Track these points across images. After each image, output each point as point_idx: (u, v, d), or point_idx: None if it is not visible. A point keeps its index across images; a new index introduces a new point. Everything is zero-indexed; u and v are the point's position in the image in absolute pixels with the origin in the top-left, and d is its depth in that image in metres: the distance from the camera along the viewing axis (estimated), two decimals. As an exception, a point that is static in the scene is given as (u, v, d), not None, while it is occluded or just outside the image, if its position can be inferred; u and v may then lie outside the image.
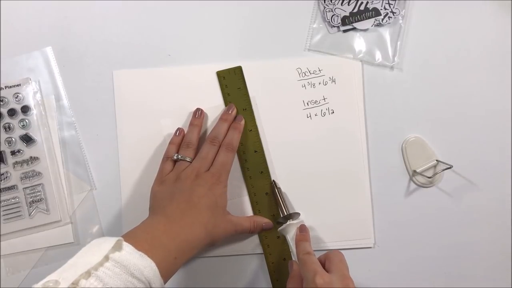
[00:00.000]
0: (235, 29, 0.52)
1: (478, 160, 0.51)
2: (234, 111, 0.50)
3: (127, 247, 0.35)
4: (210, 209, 0.43)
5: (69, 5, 0.52)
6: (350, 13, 0.51)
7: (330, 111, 0.51)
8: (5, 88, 0.50)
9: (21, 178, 0.49)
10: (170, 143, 0.49)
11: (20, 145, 0.49)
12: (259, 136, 0.50)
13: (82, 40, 0.52)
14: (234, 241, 0.49)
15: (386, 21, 0.51)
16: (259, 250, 0.50)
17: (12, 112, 0.49)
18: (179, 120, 0.51)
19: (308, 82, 0.51)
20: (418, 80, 0.52)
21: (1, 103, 0.49)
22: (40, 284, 0.31)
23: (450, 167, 0.49)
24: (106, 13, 0.52)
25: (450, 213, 0.51)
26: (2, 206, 0.48)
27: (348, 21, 0.51)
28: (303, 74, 0.51)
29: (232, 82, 0.51)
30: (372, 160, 0.51)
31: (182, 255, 0.40)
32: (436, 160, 0.51)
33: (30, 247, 0.48)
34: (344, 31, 0.52)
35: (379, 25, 0.52)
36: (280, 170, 0.50)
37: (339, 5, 0.51)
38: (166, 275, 0.37)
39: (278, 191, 0.49)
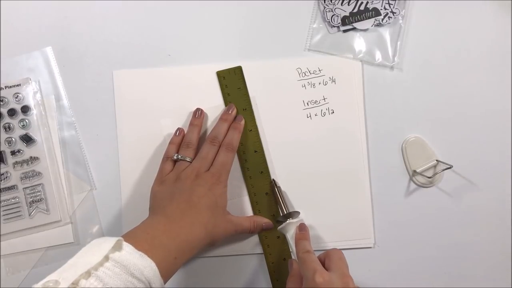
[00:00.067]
0: (235, 29, 0.52)
1: (478, 160, 0.51)
2: (234, 111, 0.50)
3: (127, 247, 0.35)
4: (210, 209, 0.43)
5: (69, 5, 0.52)
6: (350, 13, 0.51)
7: (330, 111, 0.51)
8: (5, 88, 0.50)
9: (21, 178, 0.49)
10: (170, 143, 0.49)
11: (20, 145, 0.49)
12: (259, 136, 0.50)
13: (82, 40, 0.52)
14: (234, 241, 0.49)
15: (386, 21, 0.51)
16: (259, 250, 0.50)
17: (12, 112, 0.49)
18: (179, 120, 0.51)
19: (308, 82, 0.51)
20: (418, 80, 0.52)
21: (1, 103, 0.49)
22: (40, 284, 0.31)
23: (450, 167, 0.49)
24: (106, 13, 0.52)
25: (450, 213, 0.51)
26: (2, 206, 0.48)
27: (348, 21, 0.51)
28: (303, 74, 0.51)
29: (232, 82, 0.51)
30: (372, 160, 0.51)
31: (182, 255, 0.40)
32: (436, 160, 0.51)
33: (30, 247, 0.48)
34: (344, 31, 0.52)
35: (379, 25, 0.52)
36: (280, 170, 0.50)
37: (339, 5, 0.51)
38: (166, 275, 0.37)
39: (278, 190, 0.49)
